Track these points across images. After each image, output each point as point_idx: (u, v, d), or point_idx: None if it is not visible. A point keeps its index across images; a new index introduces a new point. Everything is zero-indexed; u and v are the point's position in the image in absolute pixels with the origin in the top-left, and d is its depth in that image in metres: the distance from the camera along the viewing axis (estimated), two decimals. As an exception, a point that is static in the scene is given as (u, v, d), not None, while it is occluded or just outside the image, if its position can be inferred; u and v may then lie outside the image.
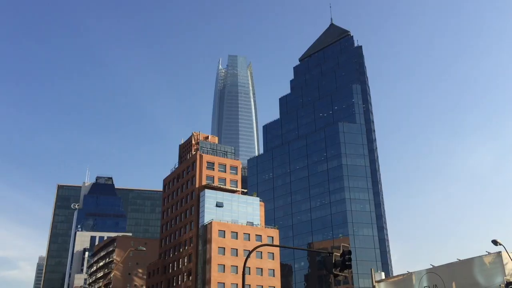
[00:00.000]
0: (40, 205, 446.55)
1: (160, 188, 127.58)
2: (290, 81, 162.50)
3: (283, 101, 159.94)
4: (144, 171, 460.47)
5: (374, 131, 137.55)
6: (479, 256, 36.25)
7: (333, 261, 20.26)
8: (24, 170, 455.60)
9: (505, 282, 29.91)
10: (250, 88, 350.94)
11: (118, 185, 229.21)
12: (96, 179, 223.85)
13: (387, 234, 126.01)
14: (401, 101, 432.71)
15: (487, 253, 35.76)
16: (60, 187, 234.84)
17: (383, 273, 48.57)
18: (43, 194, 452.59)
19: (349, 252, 20.15)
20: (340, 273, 20.36)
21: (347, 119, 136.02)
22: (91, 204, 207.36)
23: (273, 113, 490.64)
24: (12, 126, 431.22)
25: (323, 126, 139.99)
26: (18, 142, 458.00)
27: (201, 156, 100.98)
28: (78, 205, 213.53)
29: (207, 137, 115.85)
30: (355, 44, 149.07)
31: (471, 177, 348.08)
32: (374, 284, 40.92)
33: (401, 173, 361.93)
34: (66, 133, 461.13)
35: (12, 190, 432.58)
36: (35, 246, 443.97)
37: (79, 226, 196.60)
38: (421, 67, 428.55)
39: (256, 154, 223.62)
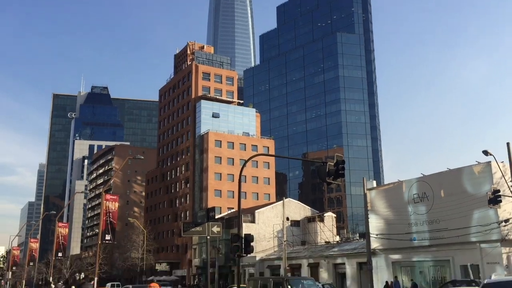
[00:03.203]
0: (37, 114, 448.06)
1: (156, 98, 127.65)
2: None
3: (281, 9, 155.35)
4: (140, 81, 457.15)
5: (372, 41, 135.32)
6: (469, 166, 37.25)
7: (327, 170, 20.78)
8: (18, 78, 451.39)
9: (492, 190, 31.03)
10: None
11: (114, 95, 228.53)
12: (92, 89, 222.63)
13: (380, 145, 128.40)
14: (400, 11, 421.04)
15: (477, 162, 36.74)
16: (55, 96, 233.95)
17: (374, 182, 50.10)
18: (38, 103, 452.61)
19: (343, 162, 20.65)
20: (333, 182, 20.99)
21: (346, 29, 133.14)
22: (88, 114, 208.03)
23: (270, 23, 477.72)
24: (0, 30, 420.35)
25: (321, 36, 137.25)
26: (8, 48, 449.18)
27: (196, 67, 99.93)
28: (74, 114, 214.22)
29: (202, 47, 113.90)
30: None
31: (464, 89, 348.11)
32: (365, 192, 42.35)
33: (396, 84, 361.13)
34: (58, 40, 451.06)
35: (7, 98, 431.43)
36: (34, 154, 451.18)
37: (76, 135, 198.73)
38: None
39: (253, 64, 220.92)
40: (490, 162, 34.77)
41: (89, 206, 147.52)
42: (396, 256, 42.23)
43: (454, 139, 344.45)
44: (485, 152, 30.85)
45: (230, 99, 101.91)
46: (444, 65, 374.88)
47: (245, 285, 45.89)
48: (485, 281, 6.12)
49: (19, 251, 64.95)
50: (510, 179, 32.36)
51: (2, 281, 42.24)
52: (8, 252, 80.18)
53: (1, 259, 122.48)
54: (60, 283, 24.93)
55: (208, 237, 12.83)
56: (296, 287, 19.24)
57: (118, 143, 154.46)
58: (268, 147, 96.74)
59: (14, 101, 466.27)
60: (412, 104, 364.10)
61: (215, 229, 12.75)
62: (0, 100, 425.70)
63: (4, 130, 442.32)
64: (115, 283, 47.24)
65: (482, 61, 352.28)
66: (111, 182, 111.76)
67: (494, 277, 6.47)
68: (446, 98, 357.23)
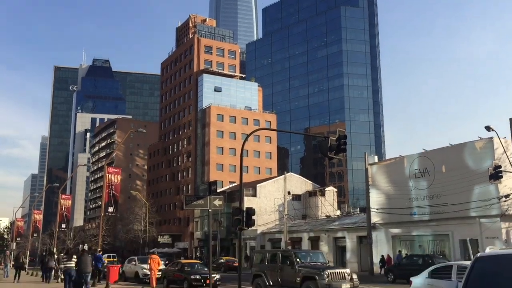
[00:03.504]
0: (38, 87, 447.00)
1: (159, 72, 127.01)
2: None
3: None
4: (142, 55, 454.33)
5: (376, 15, 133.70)
6: (471, 141, 37.26)
7: (329, 145, 20.77)
8: (19, 51, 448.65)
9: (494, 166, 31.12)
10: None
11: (115, 68, 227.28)
12: (93, 62, 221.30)
13: (382, 120, 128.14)
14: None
15: (479, 138, 36.73)
16: (57, 69, 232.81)
17: (376, 157, 50.21)
18: (40, 75, 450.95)
19: (345, 137, 20.60)
20: (335, 156, 20.97)
21: (350, 3, 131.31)
22: (89, 87, 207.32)
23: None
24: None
25: (324, 10, 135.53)
26: (9, 21, 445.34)
27: (198, 40, 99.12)
28: (76, 87, 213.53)
29: (204, 20, 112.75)
30: None
31: (469, 64, 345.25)
32: (367, 167, 42.50)
33: (399, 58, 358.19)
34: (59, 12, 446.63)
35: (8, 71, 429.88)
36: (36, 127, 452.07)
37: (78, 108, 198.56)
38: None
39: (255, 38, 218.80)
40: (492, 138, 34.74)
41: (92, 179, 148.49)
42: (396, 230, 42.64)
43: (458, 115, 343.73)
44: (488, 128, 30.82)
45: (232, 73, 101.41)
46: (449, 39, 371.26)
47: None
48: (479, 254, 6.12)
49: (23, 222, 65.74)
50: (512, 155, 32.43)
51: (8, 251, 42.92)
52: (12, 223, 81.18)
53: (5, 230, 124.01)
54: (62, 254, 25.36)
55: (210, 210, 12.97)
56: (305, 260, 19.42)
57: (120, 116, 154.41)
58: (270, 122, 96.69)
59: (16, 74, 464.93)
60: (415, 79, 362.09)
61: (217, 202, 12.88)
62: (1, 73, 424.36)
63: (6, 103, 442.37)
64: (111, 254, 47.58)
65: (489, 34, 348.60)
66: (114, 155, 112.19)
67: (489, 250, 6.47)
68: (451, 73, 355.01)
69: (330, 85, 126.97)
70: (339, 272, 17.91)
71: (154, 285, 26.44)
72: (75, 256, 21.33)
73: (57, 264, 30.30)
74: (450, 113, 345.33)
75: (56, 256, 33.08)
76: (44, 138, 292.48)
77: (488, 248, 6.62)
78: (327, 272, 17.50)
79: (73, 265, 20.70)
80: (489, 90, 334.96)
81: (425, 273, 15.29)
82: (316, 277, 17.33)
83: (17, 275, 30.86)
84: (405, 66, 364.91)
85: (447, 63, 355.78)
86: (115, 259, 43.33)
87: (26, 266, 32.58)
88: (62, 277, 22.29)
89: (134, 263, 32.93)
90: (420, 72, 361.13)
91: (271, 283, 19.58)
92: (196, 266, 26.39)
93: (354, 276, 18.27)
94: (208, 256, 25.46)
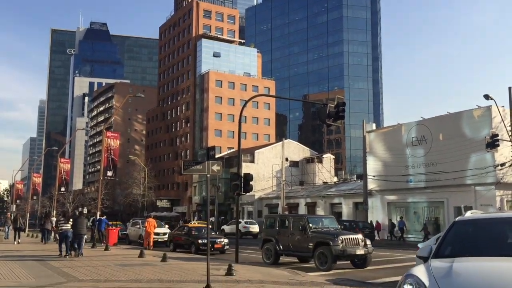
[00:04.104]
0: (36, 50, 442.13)
1: (157, 37, 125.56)
2: None
3: None
4: (140, 19, 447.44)
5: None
6: (469, 110, 37.36)
7: (327, 112, 20.87)
8: (15, 13, 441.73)
9: (491, 134, 31.30)
10: None
11: (113, 32, 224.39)
12: (90, 25, 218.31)
13: (381, 88, 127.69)
14: None
15: (477, 107, 36.81)
16: (54, 32, 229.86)
17: (374, 125, 50.35)
18: (37, 38, 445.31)
19: (343, 104, 20.68)
20: (333, 123, 21.12)
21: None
22: (87, 50, 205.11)
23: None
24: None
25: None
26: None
27: (197, 4, 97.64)
28: (74, 51, 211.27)
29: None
30: None
31: (472, 32, 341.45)
32: (364, 134, 42.73)
33: (400, 25, 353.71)
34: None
35: (4, 33, 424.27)
36: (34, 90, 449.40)
37: (76, 72, 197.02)
38: None
39: (255, 3, 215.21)
40: (490, 106, 34.84)
41: (91, 143, 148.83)
42: (391, 197, 43.21)
43: (458, 84, 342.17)
44: (486, 96, 30.86)
45: (231, 38, 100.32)
46: (452, 6, 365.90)
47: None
48: (457, 218, 6.33)
49: (22, 185, 66.27)
50: (510, 124, 32.59)
51: (9, 213, 43.56)
52: (12, 186, 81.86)
53: (5, 192, 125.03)
54: (60, 216, 26.00)
55: (208, 176, 13.17)
56: (316, 225, 19.26)
57: (118, 81, 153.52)
58: (269, 88, 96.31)
59: (13, 37, 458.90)
60: (416, 47, 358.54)
61: (215, 167, 13.03)
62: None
63: (3, 66, 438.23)
64: (118, 223, 46.36)
65: (493, 3, 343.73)
66: (112, 120, 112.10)
67: (469, 214, 6.66)
68: (452, 42, 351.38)
69: (330, 52, 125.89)
70: (353, 238, 17.57)
71: (152, 246, 27.20)
72: (71, 219, 21.81)
73: (53, 226, 30.97)
74: (449, 83, 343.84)
75: (54, 218, 33.73)
76: (42, 102, 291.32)
77: (469, 213, 6.78)
78: (341, 238, 17.18)
79: (69, 227, 21.22)
80: (490, 58, 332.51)
81: (433, 239, 15.59)
82: (330, 242, 17.03)
83: (16, 236, 31.45)
84: (405, 34, 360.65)
85: (449, 32, 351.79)
86: (119, 222, 43.59)
87: (26, 228, 33.12)
88: (58, 238, 22.81)
89: (138, 226, 33.02)
90: (420, 40, 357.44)
91: (282, 248, 19.50)
92: (203, 230, 25.78)
93: (368, 242, 17.95)
94: (206, 220, 25.53)
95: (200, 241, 24.25)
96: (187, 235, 26.00)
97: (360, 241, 17.71)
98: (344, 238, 17.32)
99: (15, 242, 30.73)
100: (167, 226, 36.71)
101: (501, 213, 7.79)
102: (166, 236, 30.47)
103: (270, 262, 19.56)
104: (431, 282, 4.96)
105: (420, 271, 5.27)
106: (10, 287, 11.59)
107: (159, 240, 30.20)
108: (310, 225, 18.63)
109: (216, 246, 24.67)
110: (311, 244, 17.90)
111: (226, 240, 25.50)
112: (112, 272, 14.78)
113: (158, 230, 30.50)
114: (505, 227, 6.10)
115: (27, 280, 13.01)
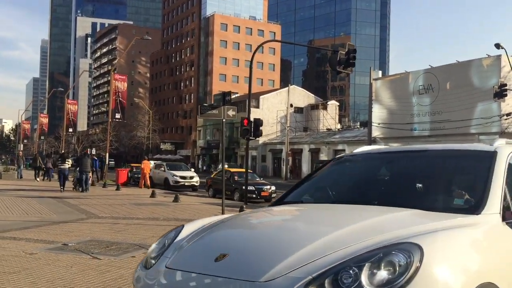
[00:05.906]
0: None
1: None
2: None
3: None
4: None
5: None
6: (478, 59, 37.11)
7: (338, 59, 20.87)
8: None
9: (499, 84, 31.27)
10: None
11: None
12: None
13: (389, 34, 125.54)
14: None
15: (487, 56, 36.54)
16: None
17: (380, 72, 50.23)
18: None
19: (354, 51, 20.67)
20: (344, 71, 21.18)
21: None
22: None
23: None
24: None
25: None
26: None
27: None
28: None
29: None
30: None
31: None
32: (371, 82, 42.62)
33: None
34: None
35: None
36: (35, 29, 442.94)
37: (78, 12, 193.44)
38: None
39: None
40: (500, 55, 34.59)
41: (94, 84, 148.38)
42: (395, 145, 43.57)
43: (468, 34, 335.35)
44: (497, 45, 30.56)
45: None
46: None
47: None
48: (337, 156, 4.51)
49: (29, 125, 66.80)
50: (518, 74, 32.49)
51: (20, 151, 44.63)
52: (18, 126, 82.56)
53: (11, 132, 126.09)
54: (58, 157, 27.36)
55: (224, 120, 13.59)
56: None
57: (121, 21, 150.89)
58: (274, 32, 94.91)
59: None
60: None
61: (231, 112, 13.37)
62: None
63: (2, 3, 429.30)
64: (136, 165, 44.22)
65: None
66: (116, 62, 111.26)
67: (356, 150, 4.35)
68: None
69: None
70: None
71: (149, 185, 28.08)
72: (69, 160, 23.74)
73: (52, 166, 33.72)
74: (462, 31, 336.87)
75: (51, 160, 35.58)
76: (44, 42, 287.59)
77: (359, 149, 4.60)
78: None
79: (66, 166, 23.69)
80: (504, 7, 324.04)
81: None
82: None
83: (37, 175, 33.83)
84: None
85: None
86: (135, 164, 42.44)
87: (43, 166, 34.91)
88: (57, 176, 25.23)
89: (163, 169, 31.31)
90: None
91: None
92: (244, 176, 22.47)
93: None
94: (210, 164, 25.83)
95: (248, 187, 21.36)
96: (229, 181, 23.18)
97: None
98: None
99: (38, 179, 32.78)
100: (193, 169, 34.77)
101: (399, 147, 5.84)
102: (193, 180, 29.42)
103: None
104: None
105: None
106: (34, 221, 12.18)
107: (186, 184, 29.00)
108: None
109: (262, 193, 22.77)
110: None
111: (273, 188, 23.51)
112: (128, 210, 15.43)
113: (184, 173, 29.78)
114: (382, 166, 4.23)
115: (49, 215, 13.62)
